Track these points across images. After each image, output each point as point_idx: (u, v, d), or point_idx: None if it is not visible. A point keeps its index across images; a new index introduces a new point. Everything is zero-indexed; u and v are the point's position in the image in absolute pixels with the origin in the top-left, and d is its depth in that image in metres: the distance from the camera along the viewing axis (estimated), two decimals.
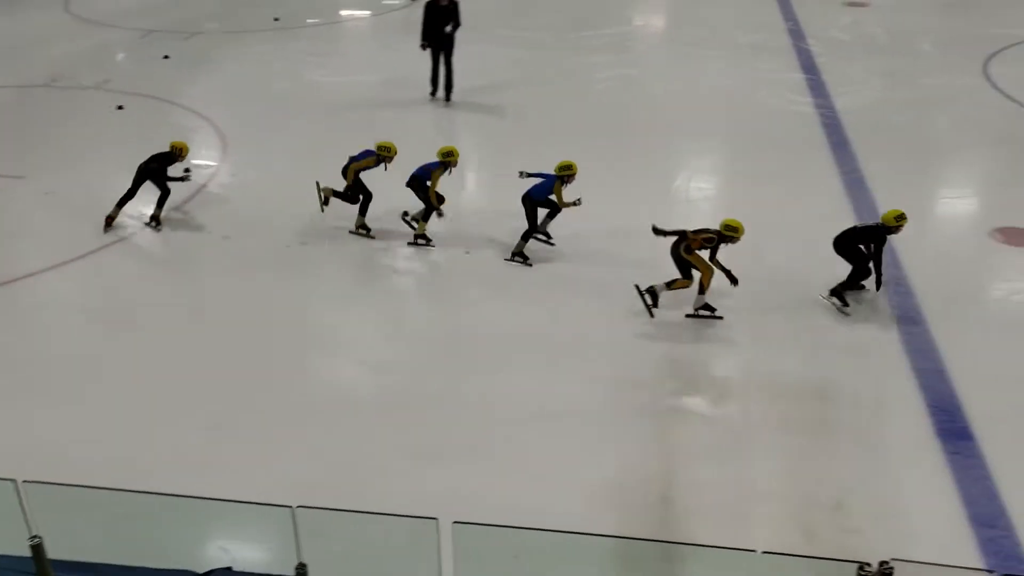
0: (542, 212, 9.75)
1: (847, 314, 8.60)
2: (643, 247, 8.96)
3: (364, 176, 10.07)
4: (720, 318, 8.59)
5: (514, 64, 16.03)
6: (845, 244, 8.65)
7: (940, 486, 6.55)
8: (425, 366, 8.04)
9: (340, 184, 10.11)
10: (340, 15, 20.04)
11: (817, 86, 14.73)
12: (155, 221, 10.28)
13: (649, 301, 8.65)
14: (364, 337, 8.60)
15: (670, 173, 11.75)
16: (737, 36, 17.52)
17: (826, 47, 16.67)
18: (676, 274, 8.55)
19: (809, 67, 15.64)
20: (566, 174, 9.39)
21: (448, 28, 13.66)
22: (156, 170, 10.13)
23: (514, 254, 9.63)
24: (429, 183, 9.67)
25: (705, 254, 8.48)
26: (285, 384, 7.75)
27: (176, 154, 10.25)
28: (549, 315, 8.70)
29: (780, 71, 15.53)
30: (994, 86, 14.64)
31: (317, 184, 10.37)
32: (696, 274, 8.51)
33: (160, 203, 10.23)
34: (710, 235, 8.38)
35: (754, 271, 8.95)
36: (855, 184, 11.31)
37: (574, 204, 9.44)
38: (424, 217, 9.86)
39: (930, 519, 6.29)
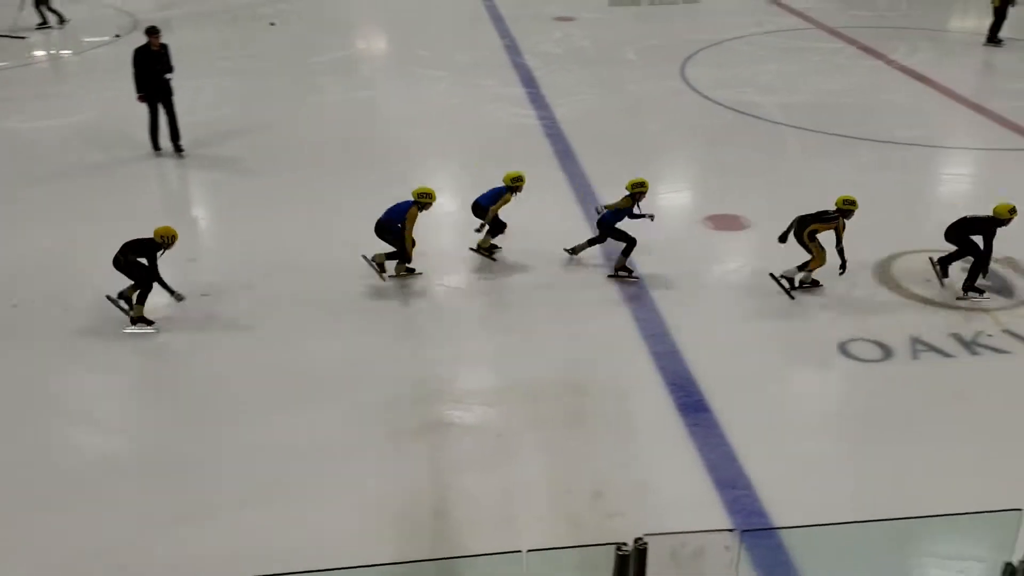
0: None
1: (986, 297, 9.08)
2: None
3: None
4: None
5: (241, 96, 15.54)
6: (957, 233, 9.11)
7: (686, 457, 7.04)
8: (172, 423, 7.54)
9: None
10: (34, 56, 18.46)
11: (537, 99, 15.47)
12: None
13: (787, 285, 9.26)
14: (102, 399, 7.92)
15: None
16: (457, 55, 18.04)
17: (542, 61, 17.56)
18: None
19: (528, 81, 16.40)
20: (639, 191, 9.50)
21: (168, 75, 12.56)
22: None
23: (617, 270, 9.62)
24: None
25: (828, 237, 9.00)
26: (18, 463, 6.96)
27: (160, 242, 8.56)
28: (296, 350, 8.46)
29: (502, 86, 16.15)
30: (692, 87, 16.08)
31: (364, 257, 9.59)
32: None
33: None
34: (831, 215, 8.98)
35: (498, 277, 9.25)
36: (583, 189, 11.97)
37: (648, 217, 9.56)
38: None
39: (681, 490, 6.73)
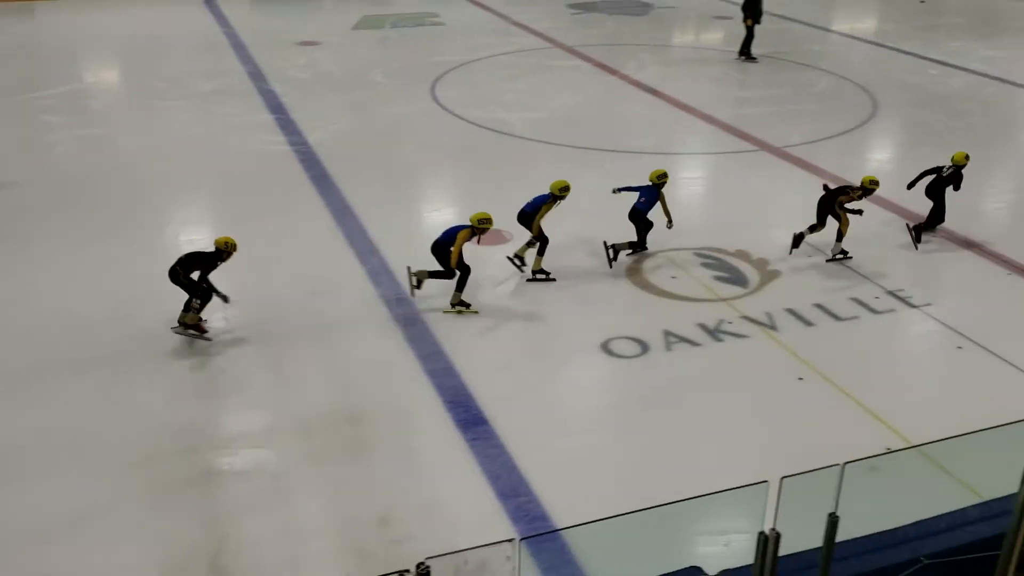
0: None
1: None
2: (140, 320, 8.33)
3: None
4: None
5: None
6: (935, 189, 10.89)
7: (469, 473, 7.09)
8: None
9: None
10: None
11: (287, 124, 15.13)
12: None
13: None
14: None
15: (159, 231, 11.17)
16: (198, 84, 17.29)
17: (289, 87, 17.20)
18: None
19: (276, 107, 15.99)
20: (662, 182, 10.55)
21: None
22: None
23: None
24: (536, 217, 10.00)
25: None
26: None
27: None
28: (33, 412, 7.70)
29: (248, 114, 15.65)
30: (443, 107, 16.36)
31: (408, 269, 9.53)
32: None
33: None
34: (856, 190, 10.47)
35: (266, 304, 8.91)
36: (342, 213, 11.81)
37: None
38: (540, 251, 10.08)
39: (467, 506, 6.78)
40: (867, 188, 10.42)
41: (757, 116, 15.93)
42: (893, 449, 6.86)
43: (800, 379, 8.33)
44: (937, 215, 11.05)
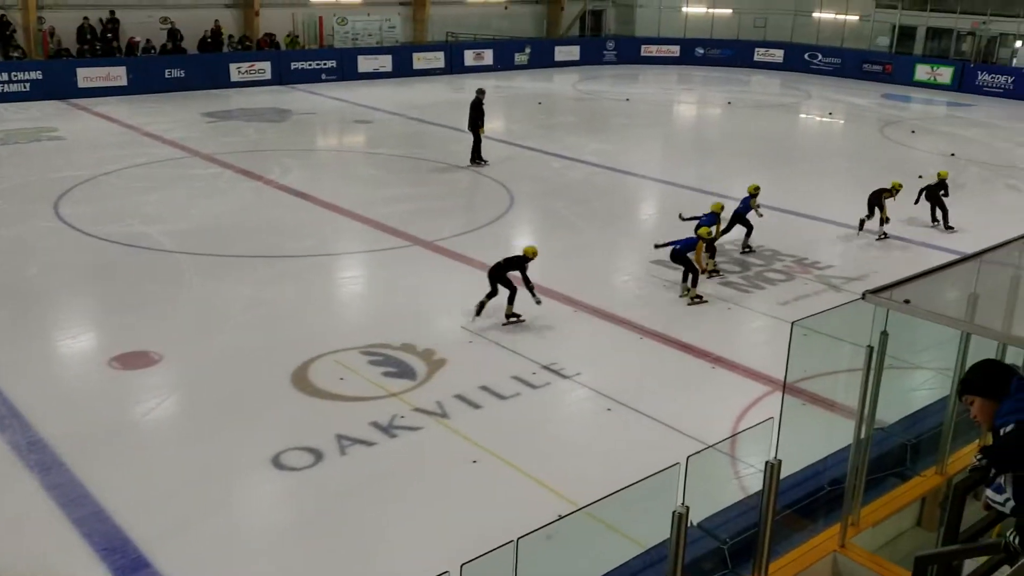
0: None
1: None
2: None
3: None
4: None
5: None
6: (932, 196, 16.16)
7: None
8: None
9: None
10: None
11: None
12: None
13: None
14: None
15: None
16: None
17: None
18: None
19: None
20: (756, 194, 14.55)
21: None
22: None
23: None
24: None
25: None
26: None
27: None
28: None
29: None
30: (70, 225, 15.03)
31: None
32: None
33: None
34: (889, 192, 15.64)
35: None
36: None
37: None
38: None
39: None
40: (897, 189, 15.63)
41: (408, 213, 16.49)
42: (563, 515, 7.20)
43: (474, 462, 8.53)
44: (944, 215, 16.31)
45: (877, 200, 15.62)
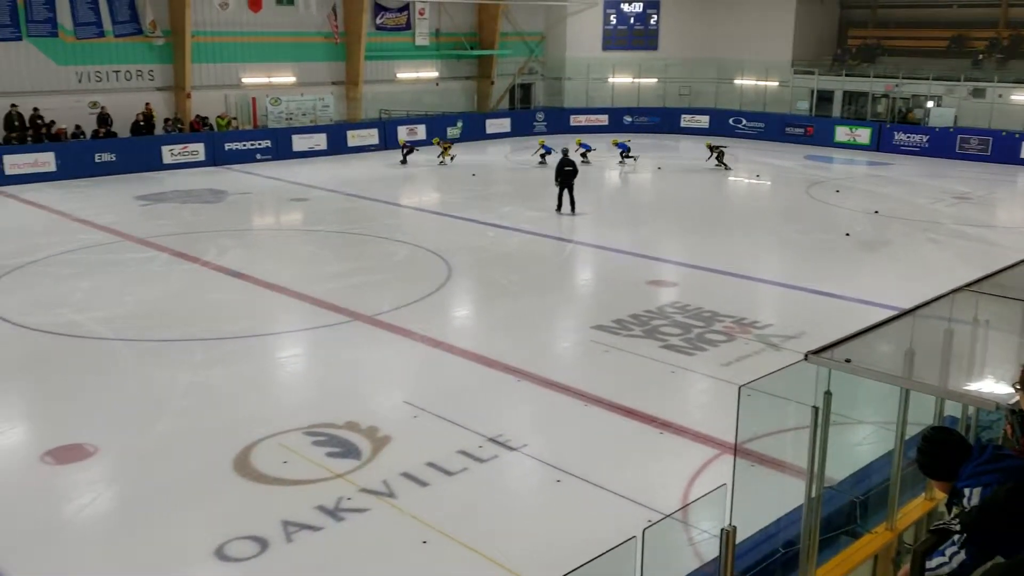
0: None
1: None
2: None
3: None
4: None
5: None
6: None
7: None
8: None
9: None
10: None
11: None
12: None
13: None
14: None
15: None
16: None
17: None
18: None
19: None
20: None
21: None
22: None
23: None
24: None
25: None
26: None
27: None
28: None
29: None
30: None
31: None
32: None
33: None
34: None
35: None
36: None
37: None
38: None
39: None
40: None
41: (346, 288, 16.39)
42: None
43: (424, 542, 8.34)
44: None
45: None
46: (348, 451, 10.10)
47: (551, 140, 31.95)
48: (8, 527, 8.52)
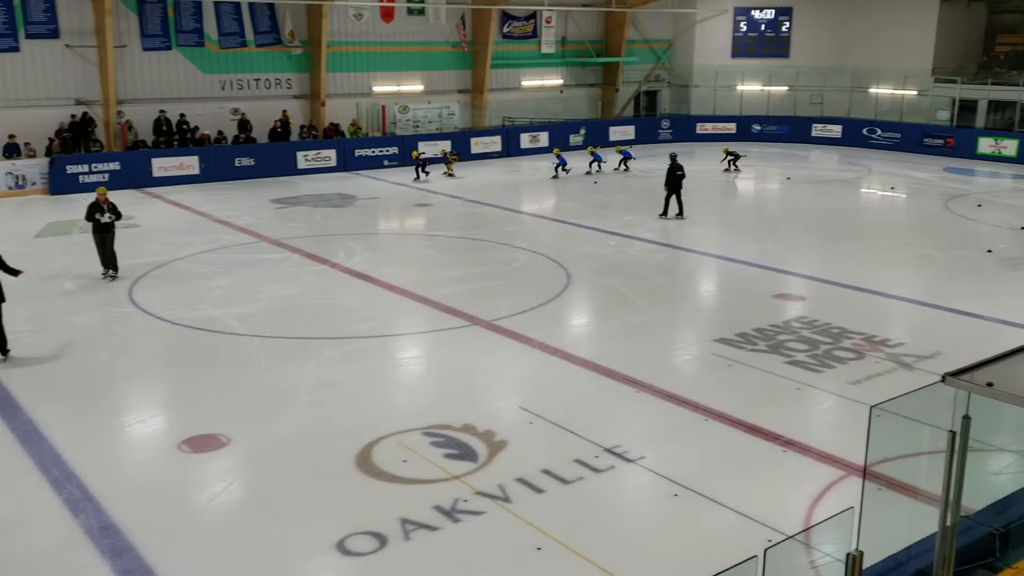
0: None
1: None
2: None
3: None
4: None
5: None
6: None
7: None
8: None
9: None
10: None
11: None
12: None
13: None
14: None
15: None
16: None
17: None
18: None
19: None
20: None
21: None
22: None
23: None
24: None
25: None
26: None
27: None
28: None
29: None
30: (143, 310, 15.46)
31: None
32: None
33: None
34: None
35: None
36: (28, 437, 10.55)
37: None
38: None
39: None
40: None
41: (466, 293, 16.64)
42: None
43: (539, 549, 8.37)
44: None
45: None
46: (465, 453, 10.24)
47: (676, 148, 31.51)
48: (146, 510, 9.02)
